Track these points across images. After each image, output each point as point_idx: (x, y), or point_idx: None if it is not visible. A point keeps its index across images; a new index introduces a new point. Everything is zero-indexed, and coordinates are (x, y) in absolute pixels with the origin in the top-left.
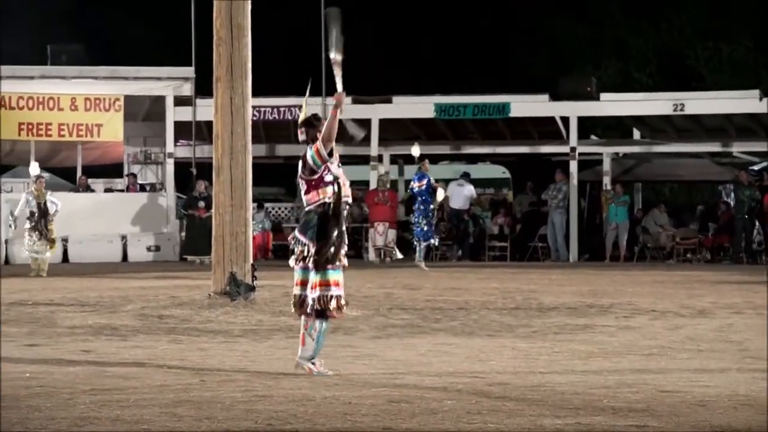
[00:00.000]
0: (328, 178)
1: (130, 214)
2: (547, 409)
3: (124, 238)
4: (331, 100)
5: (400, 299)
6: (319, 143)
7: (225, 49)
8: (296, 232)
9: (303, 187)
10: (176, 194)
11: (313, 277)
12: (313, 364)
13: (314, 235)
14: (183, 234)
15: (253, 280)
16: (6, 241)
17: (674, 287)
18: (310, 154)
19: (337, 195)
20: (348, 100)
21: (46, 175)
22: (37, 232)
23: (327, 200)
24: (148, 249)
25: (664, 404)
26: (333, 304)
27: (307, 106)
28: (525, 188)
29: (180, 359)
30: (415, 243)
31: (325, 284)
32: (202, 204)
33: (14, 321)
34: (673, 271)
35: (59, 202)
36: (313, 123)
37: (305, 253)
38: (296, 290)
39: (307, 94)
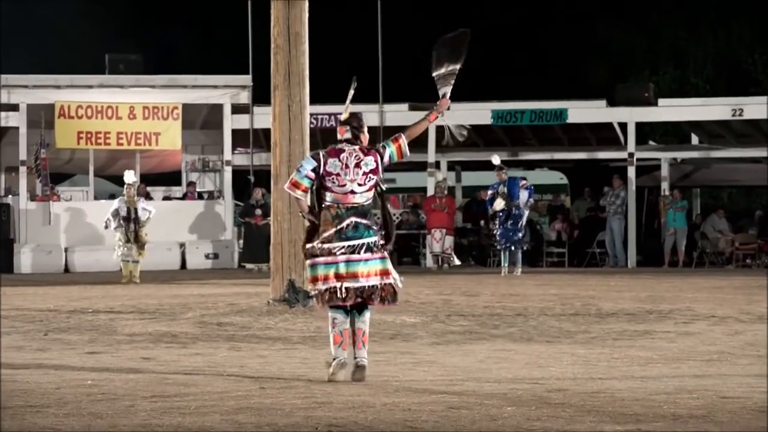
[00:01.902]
0: None
1: (188, 221)
2: (607, 415)
3: (182, 245)
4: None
5: (458, 306)
6: (403, 141)
7: (282, 57)
8: (358, 219)
9: (365, 184)
10: (234, 202)
11: (380, 265)
12: None
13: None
14: (241, 242)
15: None
16: (66, 249)
17: (733, 293)
18: (390, 151)
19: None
20: (404, 107)
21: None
22: (126, 237)
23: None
24: (207, 256)
25: (724, 410)
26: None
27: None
28: (583, 194)
29: (240, 366)
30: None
31: (387, 273)
32: (258, 212)
33: (75, 329)
34: (733, 276)
35: (152, 208)
36: (352, 124)
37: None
38: (362, 282)
39: (352, 90)
